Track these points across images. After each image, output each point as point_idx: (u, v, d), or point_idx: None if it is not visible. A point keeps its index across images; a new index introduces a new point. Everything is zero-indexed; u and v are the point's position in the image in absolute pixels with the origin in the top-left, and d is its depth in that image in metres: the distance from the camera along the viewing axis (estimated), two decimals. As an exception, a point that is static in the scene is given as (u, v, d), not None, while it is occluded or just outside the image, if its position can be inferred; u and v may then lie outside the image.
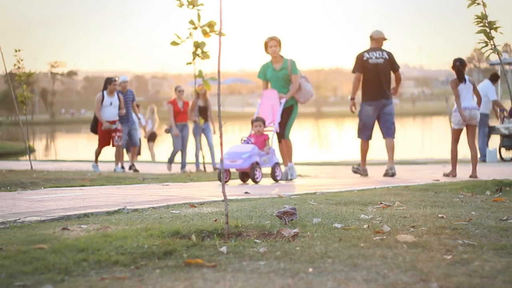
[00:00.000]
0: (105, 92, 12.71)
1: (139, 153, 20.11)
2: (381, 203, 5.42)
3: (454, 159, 10.06)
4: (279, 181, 9.40)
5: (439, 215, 4.54)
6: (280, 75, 9.76)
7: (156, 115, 20.57)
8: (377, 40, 10.45)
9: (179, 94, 14.56)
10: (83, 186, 8.28)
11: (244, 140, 9.39)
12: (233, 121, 60.94)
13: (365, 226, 4.06)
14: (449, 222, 4.19)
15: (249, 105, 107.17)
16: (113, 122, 12.80)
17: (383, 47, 10.50)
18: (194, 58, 3.89)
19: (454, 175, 9.92)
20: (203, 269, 3.04)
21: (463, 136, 9.99)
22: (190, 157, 14.89)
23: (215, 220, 4.28)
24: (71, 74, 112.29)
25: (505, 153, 15.66)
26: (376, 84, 10.18)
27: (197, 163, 14.09)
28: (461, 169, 10.80)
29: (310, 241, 3.59)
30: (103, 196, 6.51)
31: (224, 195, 3.84)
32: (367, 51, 10.33)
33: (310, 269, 2.99)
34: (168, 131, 14.79)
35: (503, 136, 15.46)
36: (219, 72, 3.83)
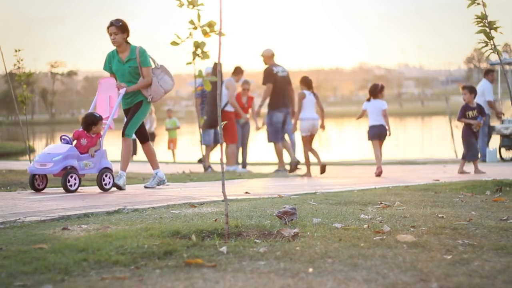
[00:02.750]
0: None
1: (135, 153, 19.99)
2: (381, 203, 5.42)
3: (308, 162, 11.34)
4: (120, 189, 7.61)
5: (439, 215, 4.55)
6: (127, 68, 7.81)
7: (154, 114, 20.55)
8: (271, 57, 12.05)
9: (245, 91, 13.61)
10: (83, 186, 8.28)
11: (63, 139, 7.55)
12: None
13: (365, 226, 4.06)
14: (449, 222, 4.20)
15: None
16: None
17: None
18: (194, 58, 3.89)
19: (310, 176, 11.07)
20: (203, 269, 3.04)
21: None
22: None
23: (215, 220, 4.29)
24: (71, 74, 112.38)
25: (505, 153, 15.65)
26: (283, 94, 11.82)
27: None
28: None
29: (310, 241, 3.59)
30: (103, 196, 6.52)
31: (224, 195, 3.84)
32: (274, 66, 11.92)
33: (310, 269, 2.99)
34: None
35: (503, 136, 15.46)
36: (219, 71, 3.83)
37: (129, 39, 7.83)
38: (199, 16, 3.83)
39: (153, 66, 7.93)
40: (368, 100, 11.02)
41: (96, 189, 7.57)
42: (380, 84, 11.20)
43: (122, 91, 7.73)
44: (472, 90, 10.84)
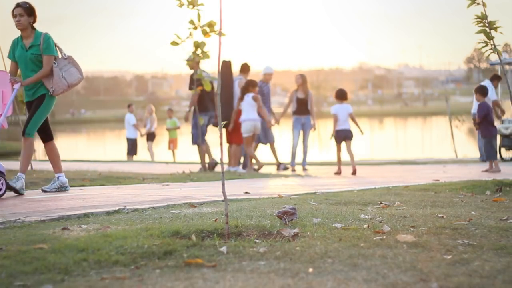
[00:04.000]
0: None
1: (135, 153, 20.00)
2: (381, 203, 5.42)
3: (255, 157, 12.41)
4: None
5: (439, 215, 4.55)
6: (29, 55, 7.17)
7: (154, 114, 20.58)
8: (198, 62, 12.42)
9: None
10: (83, 186, 8.27)
11: None
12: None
13: (365, 226, 4.06)
14: (449, 222, 4.20)
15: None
16: None
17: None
18: (194, 58, 3.90)
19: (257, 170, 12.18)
20: (203, 269, 3.04)
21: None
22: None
23: (215, 220, 4.29)
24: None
25: (505, 153, 15.65)
26: (208, 99, 12.35)
27: (292, 162, 13.20)
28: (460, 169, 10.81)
29: (310, 241, 3.59)
30: (103, 196, 6.52)
31: (224, 195, 3.84)
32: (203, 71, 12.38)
33: (310, 269, 2.99)
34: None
35: (503, 136, 15.45)
36: (219, 72, 3.83)
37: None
38: (199, 16, 3.83)
39: (59, 56, 7.28)
40: (337, 104, 11.88)
41: (96, 189, 7.57)
42: (344, 90, 12.14)
43: (17, 86, 7.07)
44: (476, 90, 11.46)
